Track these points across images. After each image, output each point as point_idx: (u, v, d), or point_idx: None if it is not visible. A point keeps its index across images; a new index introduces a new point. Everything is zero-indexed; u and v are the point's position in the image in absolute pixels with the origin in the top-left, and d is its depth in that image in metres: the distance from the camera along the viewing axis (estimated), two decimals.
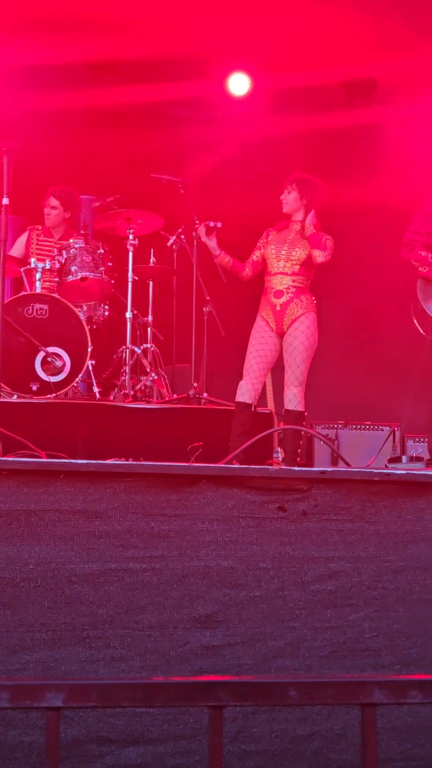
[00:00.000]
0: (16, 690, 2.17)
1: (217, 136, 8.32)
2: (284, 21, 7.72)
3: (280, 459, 5.75)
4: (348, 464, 5.13)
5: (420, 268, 5.78)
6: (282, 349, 5.97)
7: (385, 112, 8.41)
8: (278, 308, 5.95)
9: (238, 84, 8.47)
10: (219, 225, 6.20)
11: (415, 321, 5.81)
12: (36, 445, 5.45)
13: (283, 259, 5.97)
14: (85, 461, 3.70)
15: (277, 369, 6.21)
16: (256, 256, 6.16)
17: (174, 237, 7.02)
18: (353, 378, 8.23)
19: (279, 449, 5.93)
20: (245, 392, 5.91)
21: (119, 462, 4.05)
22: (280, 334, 5.96)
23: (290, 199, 6.09)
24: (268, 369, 6.01)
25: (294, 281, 5.97)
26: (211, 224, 6.18)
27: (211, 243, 6.19)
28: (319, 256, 5.93)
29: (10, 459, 4.07)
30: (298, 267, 5.95)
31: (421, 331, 5.65)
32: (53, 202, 7.12)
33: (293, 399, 5.89)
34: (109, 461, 4.20)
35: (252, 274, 6.21)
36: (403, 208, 7.17)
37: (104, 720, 3.36)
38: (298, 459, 5.73)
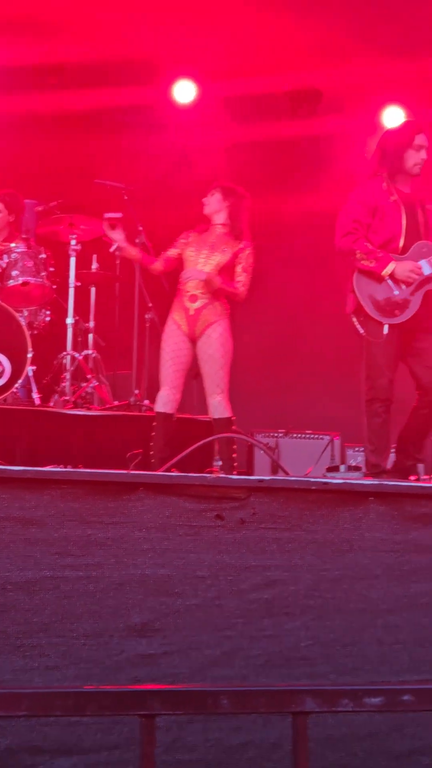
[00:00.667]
0: None
1: (162, 144, 8.31)
2: (231, 29, 7.74)
3: (220, 467, 5.73)
4: (287, 473, 5.14)
5: (364, 261, 5.28)
6: (195, 354, 5.90)
7: (329, 122, 8.46)
8: (192, 312, 5.89)
9: (184, 91, 8.48)
10: (119, 215, 6.21)
11: (354, 320, 5.37)
12: None
13: (201, 264, 5.93)
14: (21, 468, 3.66)
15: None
16: (171, 253, 6.11)
17: (116, 243, 6.99)
18: (295, 386, 8.26)
19: (219, 457, 5.91)
20: (166, 402, 5.84)
21: (57, 469, 4.01)
22: (192, 339, 5.90)
23: (212, 201, 6.08)
24: (185, 375, 5.92)
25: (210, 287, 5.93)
26: (110, 215, 6.20)
27: (117, 236, 6.14)
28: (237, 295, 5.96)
29: None
30: (216, 272, 5.92)
31: (361, 331, 5.33)
32: None
33: (218, 407, 5.82)
34: (46, 468, 4.16)
35: (163, 269, 6.16)
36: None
37: (37, 729, 3.32)
38: (235, 465, 5.69)
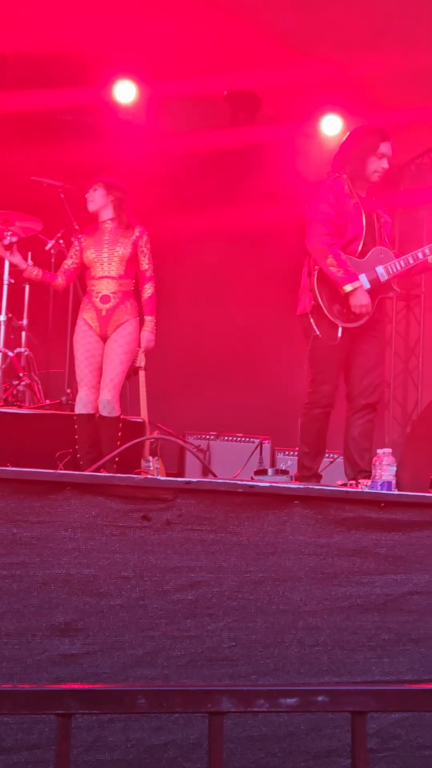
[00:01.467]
0: None
1: (101, 144, 8.31)
2: (174, 28, 7.77)
3: (150, 468, 5.75)
4: (215, 475, 5.17)
5: (333, 269, 5.22)
6: None
7: (268, 131, 8.53)
8: (104, 313, 5.93)
9: (124, 91, 8.48)
10: (15, 239, 6.23)
11: (311, 320, 5.30)
12: None
13: (106, 262, 5.96)
14: None
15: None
16: (68, 264, 6.16)
17: (53, 241, 6.98)
18: (228, 389, 8.31)
19: (150, 458, 5.93)
20: (87, 403, 5.84)
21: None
22: (104, 338, 5.94)
23: (96, 196, 6.11)
24: (101, 374, 5.93)
25: (120, 285, 5.97)
26: (6, 241, 6.19)
27: (15, 258, 6.16)
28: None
29: None
30: (123, 267, 5.96)
31: (317, 332, 5.28)
32: None
33: (107, 405, 5.80)
34: None
35: (66, 283, 6.22)
36: (280, 228, 7.27)
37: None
38: (115, 466, 5.64)
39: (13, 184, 7.28)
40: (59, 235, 7.01)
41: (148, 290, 6.04)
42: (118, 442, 5.69)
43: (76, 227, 6.64)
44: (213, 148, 8.43)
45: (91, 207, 6.09)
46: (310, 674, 3.62)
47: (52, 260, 7.18)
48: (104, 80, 8.36)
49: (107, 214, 6.06)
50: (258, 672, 3.58)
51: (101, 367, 5.89)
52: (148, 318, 6.03)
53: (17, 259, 6.13)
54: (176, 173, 8.29)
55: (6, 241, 6.15)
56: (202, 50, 7.92)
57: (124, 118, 8.55)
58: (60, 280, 6.15)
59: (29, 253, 7.11)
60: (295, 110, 8.51)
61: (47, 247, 6.98)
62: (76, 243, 6.10)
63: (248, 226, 8.26)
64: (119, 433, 5.76)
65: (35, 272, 6.15)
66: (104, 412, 5.78)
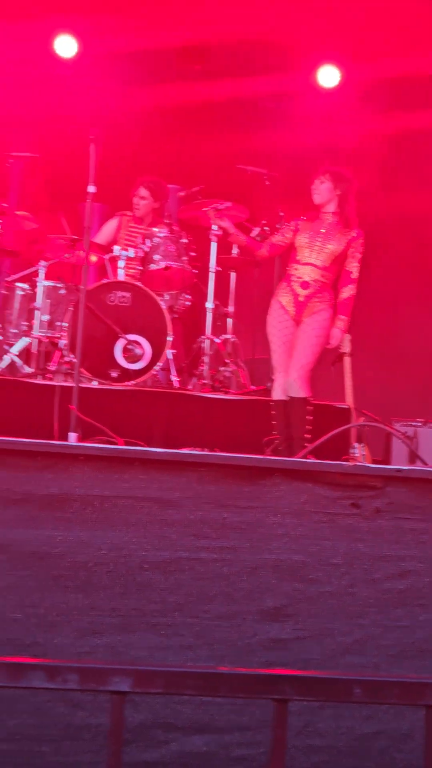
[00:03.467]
0: (85, 673, 2.20)
1: (306, 129, 8.27)
2: (375, 10, 7.64)
3: (357, 455, 5.69)
4: (425, 463, 5.07)
5: None
6: None
7: None
8: (301, 299, 5.87)
9: (328, 76, 8.42)
10: (229, 204, 6.28)
11: None
12: (114, 432, 5.50)
13: (316, 251, 5.90)
14: (160, 450, 3.73)
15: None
16: (278, 239, 6.13)
17: (258, 229, 7.00)
18: None
19: (356, 445, 5.87)
20: (286, 389, 5.82)
21: (194, 452, 4.07)
22: (297, 324, 5.89)
23: (323, 189, 6.01)
24: None
25: (322, 276, 5.89)
26: (220, 206, 6.26)
27: (224, 223, 6.24)
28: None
29: (87, 445, 4.13)
30: (329, 262, 5.88)
31: None
32: (143, 192, 7.16)
33: (293, 385, 5.73)
34: (183, 450, 4.22)
35: (268, 255, 6.23)
36: None
37: (171, 707, 3.39)
38: (305, 444, 5.54)
39: (219, 172, 7.36)
40: (264, 222, 7.03)
41: (348, 291, 5.95)
42: (308, 426, 5.68)
43: (281, 214, 6.64)
44: (414, 129, 8.26)
45: (317, 200, 6.05)
46: None
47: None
48: (308, 66, 8.33)
49: (331, 207, 6.01)
50: None
51: None
52: (341, 317, 5.97)
53: (226, 223, 6.23)
54: (386, 154, 8.15)
55: (219, 206, 6.28)
56: (401, 32, 7.77)
57: (328, 102, 8.49)
58: (263, 251, 6.18)
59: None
60: None
61: (253, 234, 7.02)
62: (293, 223, 6.10)
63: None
64: (308, 416, 5.73)
65: (242, 238, 6.23)
66: (291, 393, 5.75)
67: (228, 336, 7.01)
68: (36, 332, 6.67)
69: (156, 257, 6.72)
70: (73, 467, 3.63)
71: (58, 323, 6.65)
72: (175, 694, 2.18)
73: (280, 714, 2.13)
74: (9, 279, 6.98)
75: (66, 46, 8.16)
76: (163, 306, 6.56)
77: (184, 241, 6.78)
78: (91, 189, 5.65)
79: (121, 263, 6.74)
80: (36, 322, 6.68)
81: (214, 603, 3.50)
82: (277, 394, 5.87)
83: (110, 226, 7.33)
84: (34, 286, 6.77)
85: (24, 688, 2.32)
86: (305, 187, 6.20)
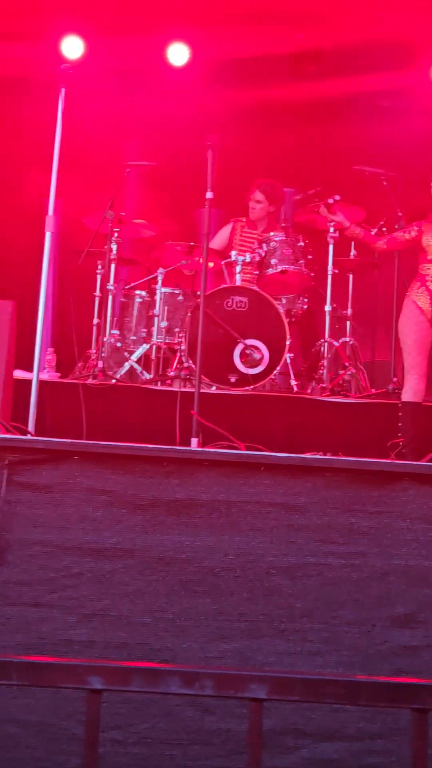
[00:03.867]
0: (221, 679, 2.20)
1: (423, 127, 8.14)
2: None
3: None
4: None
5: None
6: None
7: None
8: None
9: None
10: (337, 198, 6.23)
11: None
12: (233, 437, 5.51)
13: None
14: (285, 455, 3.71)
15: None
16: (399, 234, 6.06)
17: (375, 230, 6.92)
18: None
19: None
20: (417, 391, 5.72)
21: (319, 456, 4.04)
22: None
23: None
24: (430, 362, 5.79)
25: None
26: (330, 200, 6.22)
27: (338, 217, 6.25)
28: None
29: (212, 450, 4.14)
30: None
31: None
32: (258, 196, 7.17)
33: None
34: (308, 455, 4.20)
35: (387, 248, 6.16)
36: None
37: (300, 713, 3.37)
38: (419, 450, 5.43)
39: (336, 174, 7.30)
40: (382, 223, 6.95)
41: None
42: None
43: (400, 214, 6.56)
44: None
45: None
46: None
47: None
48: (425, 62, 8.20)
49: None
50: None
51: (430, 354, 5.78)
52: None
53: (339, 217, 6.22)
54: None
55: (330, 201, 6.24)
56: None
57: None
58: (382, 243, 6.12)
59: (352, 243, 7.09)
60: None
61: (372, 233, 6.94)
62: (415, 224, 6.03)
63: None
64: None
65: (357, 231, 6.20)
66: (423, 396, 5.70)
67: (347, 339, 6.95)
68: (155, 339, 6.74)
69: (273, 261, 6.71)
70: (198, 473, 3.64)
71: (176, 329, 6.70)
72: (313, 701, 2.15)
73: (419, 724, 2.09)
74: (128, 287, 7.07)
75: (178, 54, 8.22)
76: (281, 310, 6.55)
77: (301, 244, 6.75)
78: (209, 195, 5.68)
79: (238, 268, 6.76)
80: (155, 329, 6.75)
81: (343, 609, 3.46)
82: (408, 396, 5.80)
83: (225, 232, 7.36)
84: (152, 293, 6.84)
85: (159, 694, 2.33)
86: (424, 187, 6.12)
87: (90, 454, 3.69)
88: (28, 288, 6.57)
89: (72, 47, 7.94)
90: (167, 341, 6.73)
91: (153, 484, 3.67)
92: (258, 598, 3.56)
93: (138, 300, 6.93)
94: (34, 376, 5.44)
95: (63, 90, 5.63)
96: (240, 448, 5.06)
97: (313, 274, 6.82)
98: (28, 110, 7.65)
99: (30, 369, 5.60)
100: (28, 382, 5.49)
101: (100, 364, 6.51)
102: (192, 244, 6.86)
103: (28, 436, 4.87)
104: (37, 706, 3.46)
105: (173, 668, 2.21)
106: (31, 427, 5.24)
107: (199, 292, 6.04)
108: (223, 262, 6.88)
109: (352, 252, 7.12)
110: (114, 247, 6.91)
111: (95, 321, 7.05)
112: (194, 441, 5.23)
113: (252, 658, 3.53)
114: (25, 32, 7.93)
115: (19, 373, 5.80)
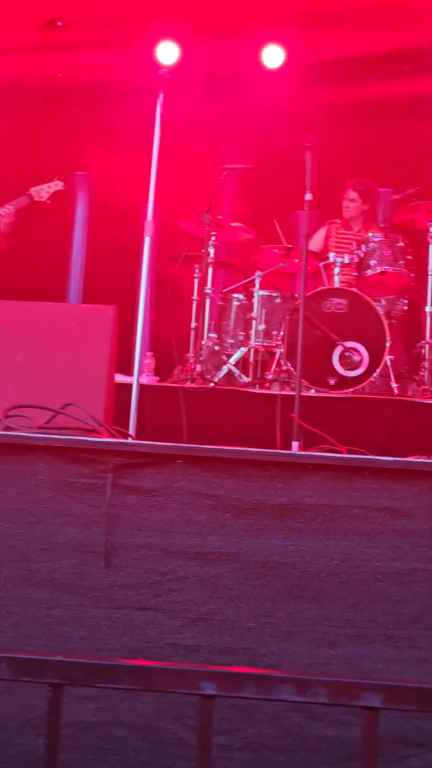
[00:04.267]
0: (334, 687, 2.17)
1: None
2: None
3: None
4: None
5: None
6: None
7: None
8: None
9: None
10: None
11: None
12: (334, 439, 5.46)
13: None
14: (391, 458, 3.65)
15: None
16: None
17: None
18: None
19: None
20: None
21: (426, 460, 3.97)
22: None
23: None
24: None
25: None
26: None
27: None
28: None
29: (315, 454, 4.10)
30: None
31: None
32: (352, 194, 7.11)
33: None
34: (413, 459, 4.13)
35: None
36: None
37: (410, 722, 3.31)
38: None
39: None
40: None
41: None
42: None
43: None
44: None
45: None
46: None
47: None
48: None
49: None
50: None
51: None
52: None
53: None
54: None
55: None
56: None
57: None
58: None
59: None
60: None
61: None
62: None
63: None
64: None
65: None
66: None
67: None
68: (253, 342, 6.72)
69: (372, 262, 6.65)
70: (303, 476, 3.60)
71: (274, 332, 6.68)
72: (428, 711, 2.10)
73: None
74: (225, 290, 7.08)
75: (273, 56, 8.21)
76: (380, 311, 6.48)
77: (401, 244, 6.67)
78: (308, 197, 5.65)
79: (336, 270, 6.71)
80: (252, 332, 6.73)
81: None
82: None
83: (320, 234, 7.33)
84: (250, 296, 6.83)
85: (270, 700, 2.31)
86: None
87: (193, 457, 3.68)
88: (125, 292, 6.62)
89: (167, 52, 8.00)
90: (265, 344, 6.71)
91: (257, 487, 3.64)
92: (364, 603, 3.51)
93: (235, 303, 6.93)
94: (134, 380, 5.48)
95: (161, 95, 5.66)
96: (341, 452, 5.00)
97: (413, 275, 6.73)
98: (123, 116, 7.72)
99: (129, 373, 5.64)
100: (128, 386, 5.53)
101: (199, 367, 6.52)
102: (289, 246, 6.83)
103: (130, 440, 4.90)
104: (143, 709, 3.47)
105: (285, 675, 2.18)
106: (131, 430, 5.27)
107: (297, 295, 6.01)
108: (321, 264, 6.84)
109: None
110: (211, 250, 6.93)
111: (193, 325, 7.07)
112: (295, 444, 5.20)
113: (359, 665, 3.48)
114: (121, 39, 8.02)
115: (118, 377, 5.84)
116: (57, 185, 6.68)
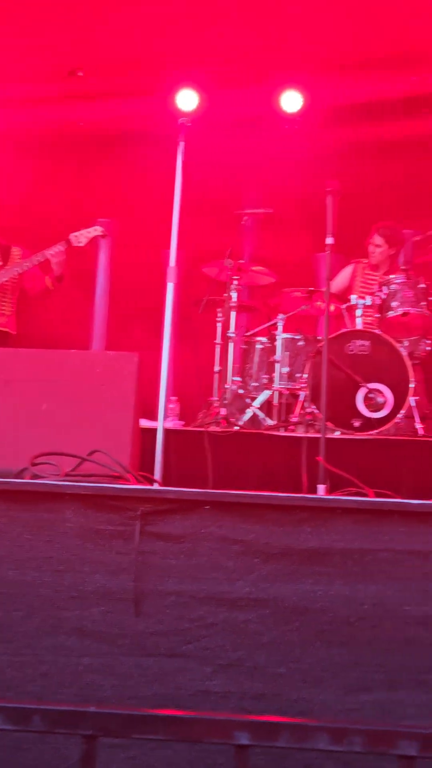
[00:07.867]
0: (370, 735, 2.15)
1: None
2: None
3: None
4: None
5: None
6: None
7: None
8: None
9: None
10: None
11: None
12: (360, 482, 5.44)
13: None
14: (420, 501, 3.64)
15: None
16: None
17: None
18: None
19: None
20: None
21: None
22: None
23: None
24: None
25: None
26: None
27: None
28: None
29: (343, 498, 4.09)
30: None
31: None
32: (378, 240, 7.14)
33: None
34: None
35: None
36: None
37: None
38: None
39: None
40: None
41: None
42: None
43: None
44: None
45: None
46: None
47: None
48: None
49: None
50: None
51: None
52: None
53: None
54: None
55: None
56: None
57: None
58: None
59: None
60: None
61: None
62: None
63: None
64: None
65: None
66: None
67: None
68: (276, 384, 6.73)
69: (394, 304, 6.66)
70: (331, 520, 3.60)
71: (298, 375, 6.69)
72: None
73: None
74: (248, 333, 7.10)
75: (291, 101, 8.30)
76: (404, 352, 6.48)
77: (422, 286, 6.69)
78: (330, 240, 5.67)
79: (358, 312, 6.72)
80: (276, 375, 6.75)
81: None
82: None
83: (345, 273, 7.34)
84: (273, 339, 6.85)
85: (307, 750, 2.29)
86: None
87: (221, 503, 3.68)
88: (148, 336, 6.66)
89: (187, 100, 8.10)
90: (289, 387, 6.72)
91: (285, 532, 3.64)
92: (396, 648, 3.49)
93: (258, 346, 6.95)
94: (159, 425, 5.48)
95: (182, 143, 5.73)
96: (368, 495, 4.99)
97: None
98: (145, 162, 7.80)
99: (154, 418, 5.65)
100: (153, 430, 5.54)
101: (223, 411, 6.53)
102: (311, 289, 6.86)
103: (156, 485, 4.91)
104: (176, 757, 3.44)
105: (321, 724, 2.17)
106: (157, 475, 5.28)
107: (320, 337, 6.02)
108: (343, 306, 6.86)
109: None
110: (234, 294, 6.97)
111: (216, 368, 7.09)
112: (321, 488, 5.19)
113: (391, 711, 3.45)
114: (141, 88, 8.14)
115: (143, 422, 5.86)
116: (96, 230, 6.77)
